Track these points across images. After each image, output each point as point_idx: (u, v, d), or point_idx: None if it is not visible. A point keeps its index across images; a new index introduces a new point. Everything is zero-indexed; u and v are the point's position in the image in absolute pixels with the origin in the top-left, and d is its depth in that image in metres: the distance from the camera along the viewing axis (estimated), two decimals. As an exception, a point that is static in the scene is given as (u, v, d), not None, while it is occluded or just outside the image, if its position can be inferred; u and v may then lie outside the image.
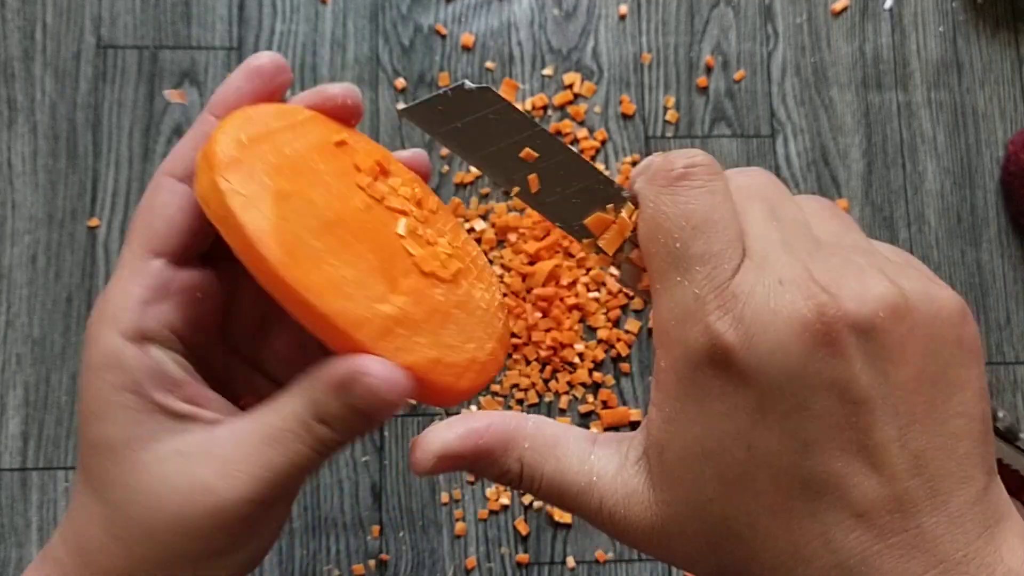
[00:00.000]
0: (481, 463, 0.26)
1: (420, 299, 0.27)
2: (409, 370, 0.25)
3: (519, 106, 0.61)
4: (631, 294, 0.59)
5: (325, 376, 0.25)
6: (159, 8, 0.61)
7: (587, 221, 0.26)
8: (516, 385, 0.58)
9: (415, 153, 0.31)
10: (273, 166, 0.26)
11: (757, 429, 0.23)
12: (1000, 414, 0.27)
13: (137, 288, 0.27)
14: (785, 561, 0.23)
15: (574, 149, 0.27)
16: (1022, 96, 0.64)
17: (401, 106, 0.28)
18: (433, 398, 0.27)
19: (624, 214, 0.26)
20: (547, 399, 0.58)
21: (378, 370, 0.25)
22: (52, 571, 0.27)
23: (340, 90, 0.29)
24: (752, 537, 0.23)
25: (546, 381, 0.58)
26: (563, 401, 0.58)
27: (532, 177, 0.26)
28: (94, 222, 0.58)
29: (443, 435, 0.25)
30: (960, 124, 0.63)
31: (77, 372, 0.57)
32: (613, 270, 0.28)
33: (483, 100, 0.26)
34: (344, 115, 0.29)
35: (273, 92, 0.28)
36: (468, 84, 0.26)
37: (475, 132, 0.26)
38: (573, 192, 0.26)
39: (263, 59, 0.28)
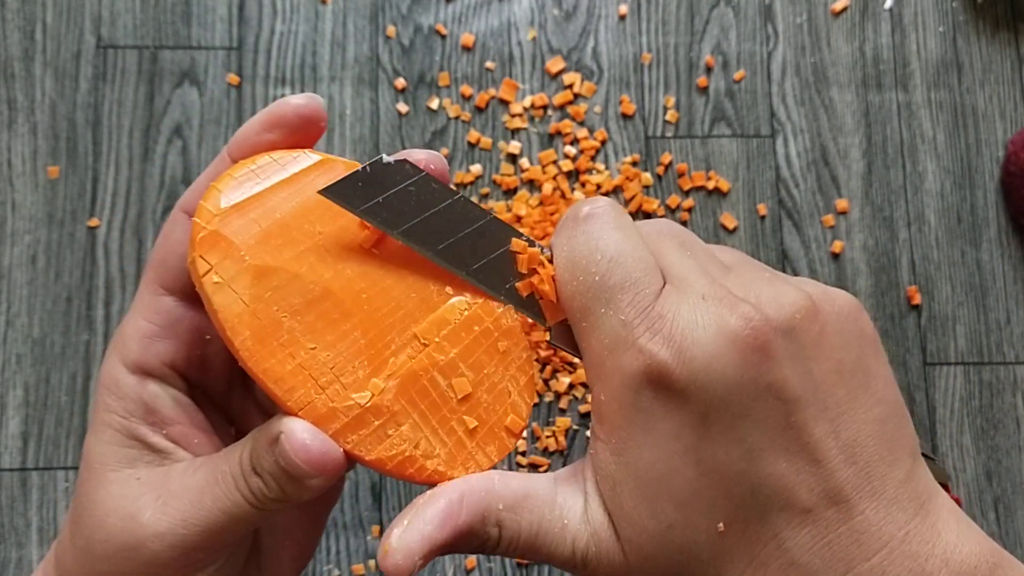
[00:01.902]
0: (462, 541, 0.25)
1: (412, 383, 0.26)
2: (378, 463, 0.25)
3: (519, 106, 0.61)
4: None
5: (264, 430, 0.25)
6: (159, 8, 0.61)
7: (516, 286, 0.26)
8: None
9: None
10: (261, 234, 0.25)
11: (704, 443, 0.23)
12: None
13: (145, 323, 0.27)
14: (744, 571, 0.23)
15: (494, 214, 0.27)
16: (1022, 96, 0.64)
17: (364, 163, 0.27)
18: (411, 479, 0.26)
19: (545, 272, 0.26)
20: (547, 399, 0.58)
21: (298, 436, 0.24)
22: (44, 567, 0.28)
23: (424, 157, 0.27)
24: (713, 557, 0.24)
25: (546, 381, 0.58)
26: (563, 401, 0.58)
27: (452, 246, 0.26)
28: (94, 222, 0.58)
29: (422, 530, 0.24)
30: (960, 124, 0.63)
31: (77, 372, 0.57)
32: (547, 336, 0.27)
33: (401, 173, 0.25)
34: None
35: (299, 141, 0.27)
36: (386, 158, 0.25)
37: (397, 205, 0.25)
38: (497, 257, 0.26)
39: (290, 107, 0.26)
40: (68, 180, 0.59)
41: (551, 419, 0.57)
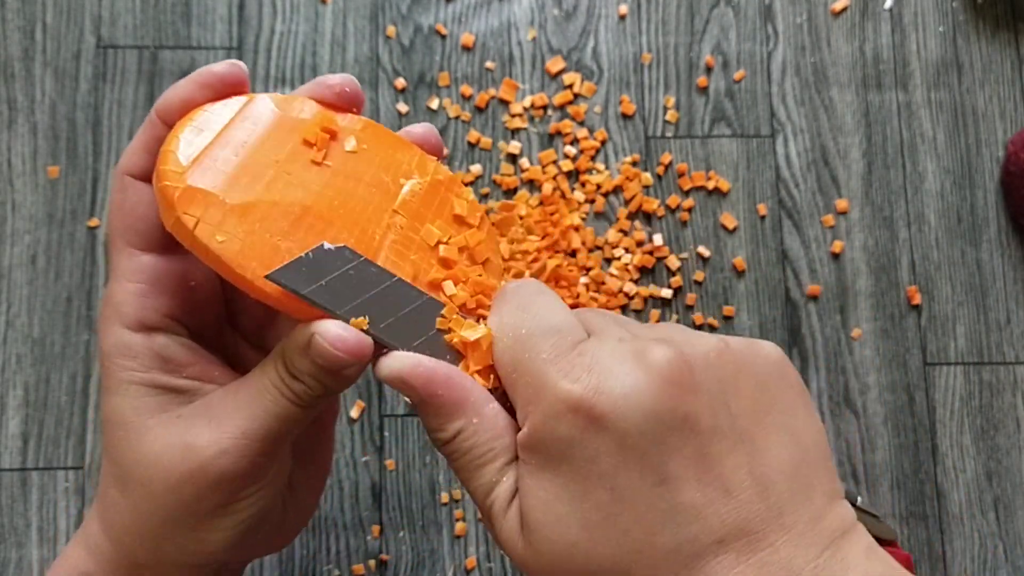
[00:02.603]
0: (427, 408, 0.27)
1: (402, 259, 0.29)
2: (431, 361, 0.27)
3: (519, 106, 0.61)
4: (631, 294, 0.59)
5: (293, 339, 0.27)
6: (159, 8, 0.61)
7: (452, 348, 0.29)
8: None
9: (427, 129, 0.32)
10: (229, 177, 0.27)
11: (620, 469, 0.24)
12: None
13: (132, 284, 0.29)
14: None
15: (429, 295, 0.29)
16: (1022, 96, 0.64)
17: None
18: None
19: (484, 333, 0.28)
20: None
21: (333, 332, 0.26)
22: (83, 538, 0.30)
23: (339, 80, 0.30)
24: None
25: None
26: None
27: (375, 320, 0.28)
28: (94, 222, 0.58)
29: (413, 362, 0.27)
30: (960, 124, 0.63)
31: (77, 372, 0.57)
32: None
33: (341, 258, 0.28)
34: (344, 104, 0.30)
35: (225, 98, 0.29)
36: (326, 245, 0.27)
37: (339, 287, 0.27)
38: (436, 333, 0.29)
39: (214, 74, 0.28)
40: (68, 180, 0.59)
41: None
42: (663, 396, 0.24)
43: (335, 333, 0.26)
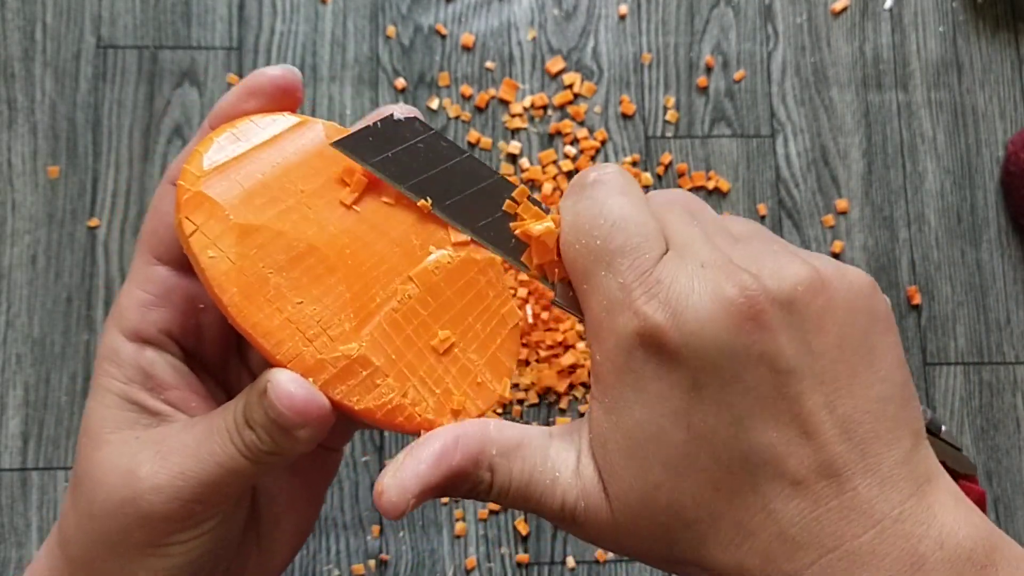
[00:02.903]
0: (455, 483, 0.25)
1: (397, 333, 0.26)
2: (368, 412, 0.25)
3: (519, 106, 0.61)
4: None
5: (255, 383, 0.25)
6: (159, 8, 0.61)
7: (516, 235, 0.27)
8: (516, 385, 0.58)
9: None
10: (244, 194, 0.25)
11: (694, 406, 0.23)
12: (923, 409, 0.28)
13: (140, 292, 0.28)
14: (733, 538, 0.23)
15: (501, 174, 0.27)
16: (1022, 96, 0.64)
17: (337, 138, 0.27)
18: (402, 429, 0.27)
19: (548, 228, 0.27)
20: (547, 399, 0.58)
21: (283, 385, 0.24)
22: (47, 543, 0.29)
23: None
24: (699, 520, 0.24)
25: (549, 389, 0.58)
26: (563, 401, 0.58)
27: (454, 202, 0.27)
28: (94, 222, 0.58)
29: (416, 469, 0.24)
30: (960, 124, 0.63)
31: (77, 372, 0.57)
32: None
33: (411, 130, 0.26)
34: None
35: (277, 109, 0.27)
36: (396, 114, 0.26)
37: (406, 161, 0.26)
38: (502, 216, 0.27)
39: (266, 77, 0.27)
40: (68, 180, 0.59)
41: (551, 419, 0.57)
42: (741, 333, 0.23)
43: (284, 387, 0.24)
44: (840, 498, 0.23)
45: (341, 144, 0.25)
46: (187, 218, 0.25)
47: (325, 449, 0.31)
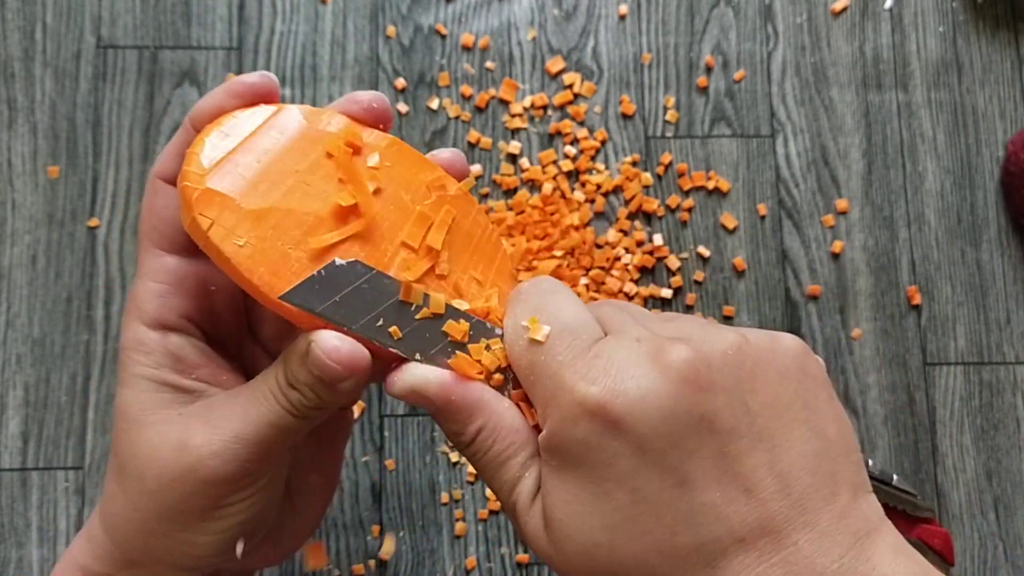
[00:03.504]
0: (445, 415, 0.27)
1: (411, 269, 0.29)
2: (439, 370, 0.28)
3: (519, 106, 0.61)
4: (631, 294, 0.59)
5: (294, 347, 0.27)
6: (159, 8, 0.61)
7: (453, 363, 0.28)
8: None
9: (454, 155, 0.32)
10: (248, 183, 0.27)
11: (639, 471, 0.24)
12: (870, 462, 0.29)
13: (154, 283, 0.29)
14: None
15: (443, 299, 0.29)
16: (1022, 96, 0.64)
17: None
18: None
19: (497, 348, 0.29)
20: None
21: (329, 343, 0.26)
22: (87, 529, 0.31)
23: (368, 96, 0.30)
24: None
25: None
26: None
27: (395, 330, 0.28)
28: (94, 222, 0.58)
29: (424, 375, 0.27)
30: (960, 124, 0.63)
31: (77, 372, 0.57)
32: None
33: (354, 272, 0.28)
34: (372, 120, 0.30)
35: (255, 104, 0.29)
36: (338, 261, 0.28)
37: (353, 302, 0.27)
38: (452, 343, 0.29)
39: (244, 84, 0.29)
40: (68, 180, 0.59)
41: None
42: (680, 397, 0.24)
43: (331, 344, 0.26)
44: (781, 553, 0.23)
45: (289, 296, 0.27)
46: (201, 215, 0.26)
47: (339, 409, 0.34)
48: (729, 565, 0.23)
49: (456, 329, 0.28)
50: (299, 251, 0.27)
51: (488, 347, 0.29)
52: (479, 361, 0.28)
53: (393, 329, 0.28)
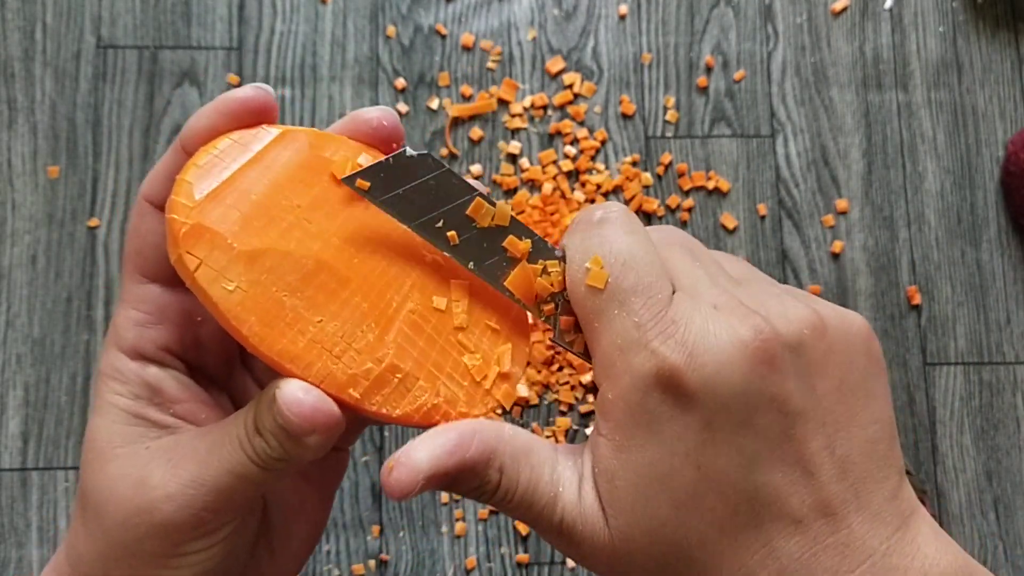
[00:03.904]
0: (464, 477, 0.25)
1: (418, 333, 0.26)
2: (406, 417, 0.25)
3: (519, 106, 0.61)
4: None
5: (265, 392, 0.25)
6: (159, 8, 0.61)
7: (508, 281, 0.26)
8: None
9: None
10: (242, 218, 0.25)
11: (706, 448, 0.24)
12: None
13: (134, 312, 0.27)
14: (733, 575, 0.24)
15: (510, 211, 0.27)
16: (1022, 96, 0.64)
17: (357, 168, 0.27)
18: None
19: (555, 271, 0.26)
20: (547, 399, 0.58)
21: (290, 393, 0.24)
22: (54, 561, 0.29)
23: (376, 113, 0.27)
24: (702, 558, 0.24)
25: (546, 386, 0.58)
26: (564, 402, 0.58)
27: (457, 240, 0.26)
28: (94, 222, 0.58)
29: (432, 452, 0.24)
30: (960, 124, 0.63)
31: (77, 372, 0.57)
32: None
33: (423, 166, 0.26)
34: (382, 140, 0.28)
35: (252, 126, 0.26)
36: (409, 151, 0.25)
37: (416, 198, 0.26)
38: (507, 256, 0.27)
39: (236, 100, 0.26)
40: (68, 180, 0.59)
41: (551, 419, 0.57)
42: (754, 376, 0.23)
43: (294, 395, 0.24)
44: (836, 535, 0.24)
45: (350, 180, 0.25)
46: (188, 252, 0.24)
47: (334, 450, 0.31)
48: (785, 546, 0.24)
49: (517, 246, 0.26)
50: (295, 299, 0.24)
51: (546, 269, 0.26)
52: (536, 282, 0.26)
53: (451, 234, 0.26)
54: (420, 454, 0.24)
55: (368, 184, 0.25)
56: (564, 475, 0.26)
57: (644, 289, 0.25)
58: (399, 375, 0.25)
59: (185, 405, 0.28)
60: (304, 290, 0.25)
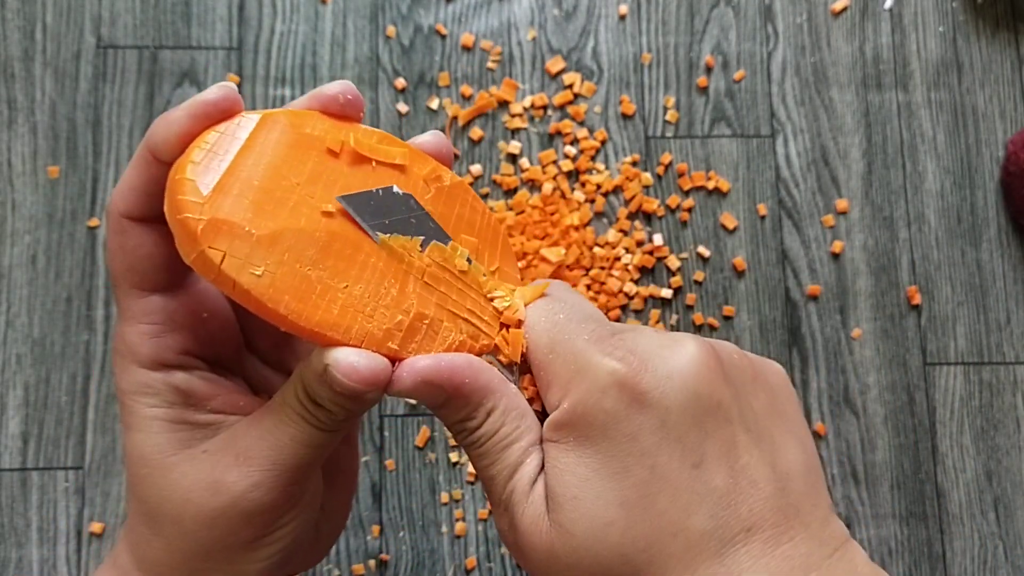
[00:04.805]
0: (454, 402, 0.27)
1: (435, 280, 0.28)
2: (448, 354, 0.27)
3: (519, 106, 0.61)
4: (631, 294, 0.59)
5: (310, 365, 0.26)
6: (159, 8, 0.61)
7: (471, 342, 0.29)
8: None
9: (436, 137, 0.31)
10: (252, 205, 0.25)
11: (660, 448, 0.24)
12: None
13: (145, 325, 0.28)
14: None
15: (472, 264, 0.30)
16: (1022, 96, 0.64)
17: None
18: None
19: (514, 334, 0.29)
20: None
21: (344, 362, 0.25)
22: (113, 568, 0.30)
23: (337, 88, 0.29)
24: (648, 563, 0.24)
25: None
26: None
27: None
28: (94, 222, 0.58)
29: (436, 363, 0.26)
30: (960, 124, 0.63)
31: (77, 372, 0.57)
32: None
33: (407, 205, 0.28)
34: (344, 112, 0.29)
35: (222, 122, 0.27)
36: (396, 189, 0.28)
37: (398, 229, 0.28)
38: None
39: (208, 104, 0.26)
40: (68, 180, 0.59)
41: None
42: (702, 380, 0.25)
43: (347, 363, 0.25)
44: (782, 547, 0.24)
45: (347, 199, 0.27)
46: (211, 247, 0.24)
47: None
48: (737, 553, 0.24)
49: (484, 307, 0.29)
50: (319, 271, 0.26)
51: (507, 328, 0.29)
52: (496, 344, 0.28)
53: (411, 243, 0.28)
54: (424, 361, 0.26)
55: (356, 210, 0.27)
56: (530, 461, 0.27)
57: (593, 320, 0.27)
58: (426, 321, 0.27)
59: (219, 399, 0.29)
60: (325, 261, 0.26)
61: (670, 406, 0.24)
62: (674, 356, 0.25)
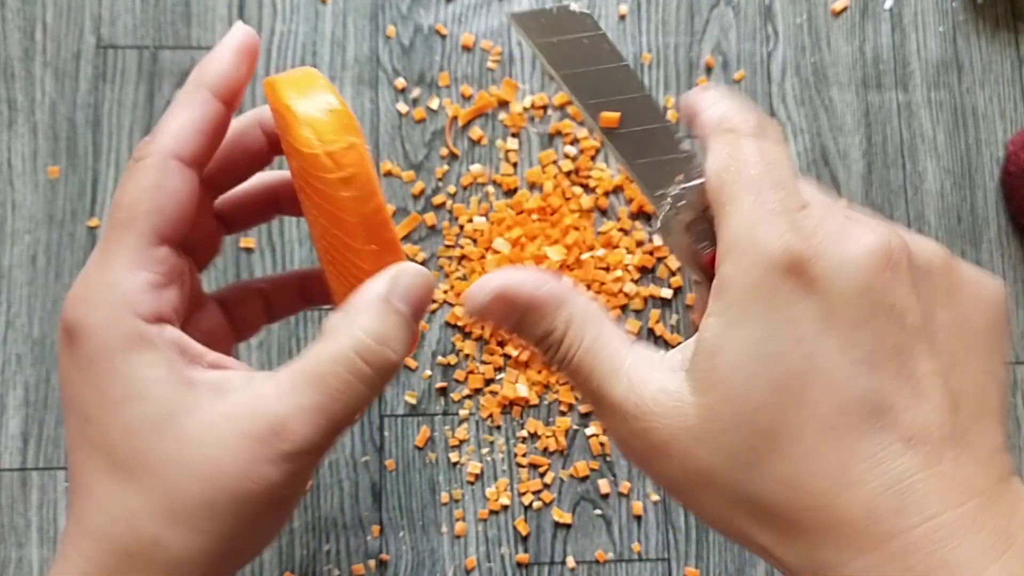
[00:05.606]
0: (532, 315, 0.26)
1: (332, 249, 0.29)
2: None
3: (518, 106, 0.61)
4: (631, 294, 0.59)
5: (366, 297, 0.26)
6: (159, 8, 0.61)
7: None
8: (516, 385, 0.58)
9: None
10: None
11: (821, 338, 0.23)
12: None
13: (150, 274, 0.27)
14: (831, 485, 0.23)
15: (650, 95, 0.28)
16: (1022, 96, 0.64)
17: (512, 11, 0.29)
18: None
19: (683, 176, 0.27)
20: (547, 400, 0.58)
21: (412, 268, 0.27)
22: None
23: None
24: (797, 453, 0.23)
25: (546, 386, 0.58)
26: (564, 402, 0.58)
27: (606, 115, 0.27)
28: (94, 222, 0.58)
29: (506, 278, 0.26)
30: (960, 124, 0.63)
31: (77, 372, 0.57)
32: (656, 238, 0.29)
33: (581, 24, 0.27)
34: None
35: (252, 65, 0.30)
36: (573, 6, 0.27)
37: (567, 51, 0.27)
38: (642, 132, 0.28)
39: (244, 40, 0.29)
40: (68, 180, 0.59)
41: (551, 419, 0.57)
42: (879, 278, 0.23)
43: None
44: (943, 465, 0.23)
45: (516, 17, 0.27)
46: (349, 137, 0.27)
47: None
48: (895, 462, 0.22)
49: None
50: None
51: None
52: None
53: (614, 116, 0.27)
54: (495, 278, 0.26)
55: (524, 28, 0.27)
56: (635, 355, 0.26)
57: (784, 187, 0.25)
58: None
59: (209, 356, 0.28)
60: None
61: (838, 297, 0.23)
62: (852, 246, 0.23)
